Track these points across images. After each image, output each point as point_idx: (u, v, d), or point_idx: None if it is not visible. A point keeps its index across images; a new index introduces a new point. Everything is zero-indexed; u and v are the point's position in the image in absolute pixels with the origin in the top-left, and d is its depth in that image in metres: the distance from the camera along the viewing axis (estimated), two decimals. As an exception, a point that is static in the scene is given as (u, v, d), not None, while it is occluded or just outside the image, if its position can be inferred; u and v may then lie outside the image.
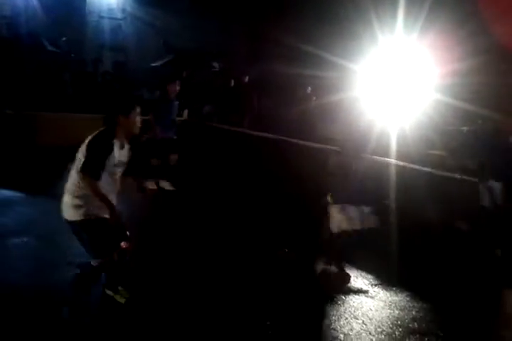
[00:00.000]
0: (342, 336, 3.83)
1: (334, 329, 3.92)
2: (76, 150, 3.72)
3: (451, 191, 6.21)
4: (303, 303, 4.34)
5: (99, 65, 12.99)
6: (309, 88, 11.44)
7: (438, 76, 9.12)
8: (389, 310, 4.33)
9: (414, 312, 4.32)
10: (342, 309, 4.28)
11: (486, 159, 6.19)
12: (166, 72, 13.59)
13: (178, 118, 8.24)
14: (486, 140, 7.33)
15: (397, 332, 3.98)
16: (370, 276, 4.98)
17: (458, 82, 8.84)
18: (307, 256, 5.38)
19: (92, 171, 3.56)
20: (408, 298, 4.57)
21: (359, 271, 5.10)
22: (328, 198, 4.82)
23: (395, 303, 4.47)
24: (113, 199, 3.73)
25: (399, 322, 4.14)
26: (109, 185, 3.69)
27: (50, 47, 13.30)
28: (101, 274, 3.85)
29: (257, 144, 9.41)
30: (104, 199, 3.60)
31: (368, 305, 4.39)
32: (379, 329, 3.99)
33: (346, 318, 4.12)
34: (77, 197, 3.64)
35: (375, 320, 4.15)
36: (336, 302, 4.40)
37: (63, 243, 5.35)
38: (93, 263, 3.78)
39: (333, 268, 4.86)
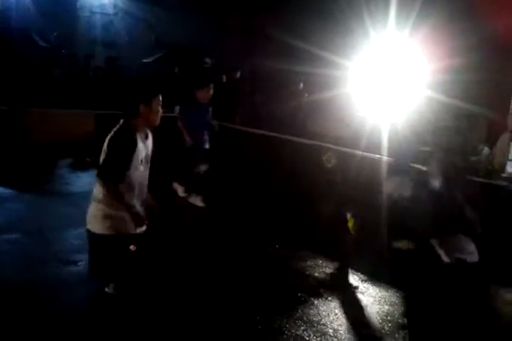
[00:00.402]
0: (331, 331, 3.85)
1: (324, 325, 3.94)
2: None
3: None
4: (292, 299, 4.35)
5: (91, 60, 12.90)
6: (301, 84, 11.43)
7: (430, 72, 9.15)
8: (379, 306, 4.35)
9: (403, 308, 4.35)
10: (332, 305, 4.30)
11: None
12: (158, 67, 13.56)
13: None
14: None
15: (386, 327, 4.00)
16: (360, 272, 5.00)
17: (450, 78, 8.87)
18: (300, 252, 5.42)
19: (111, 175, 3.16)
20: (398, 294, 4.60)
21: (349, 266, 5.11)
22: (348, 216, 4.70)
23: (385, 299, 4.49)
24: (141, 202, 3.38)
25: (388, 318, 4.16)
26: (137, 187, 3.31)
27: (40, 43, 13.20)
28: None
29: (248, 140, 9.40)
30: (128, 207, 3.23)
31: (358, 301, 4.42)
32: (369, 325, 4.02)
33: (336, 314, 4.14)
34: (104, 206, 3.26)
35: (365, 315, 4.17)
36: (326, 298, 4.41)
37: (53, 239, 5.36)
38: (108, 290, 3.46)
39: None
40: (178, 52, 13.63)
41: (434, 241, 4.24)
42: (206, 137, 7.11)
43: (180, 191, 7.12)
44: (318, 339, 3.73)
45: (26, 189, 7.15)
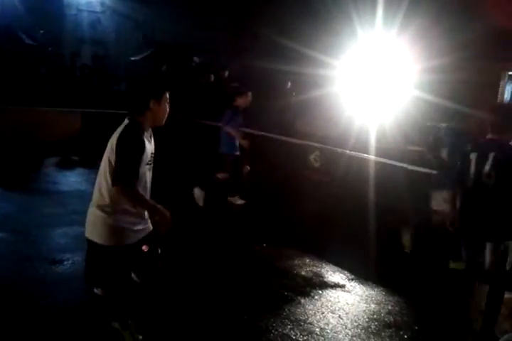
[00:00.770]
0: (318, 330, 3.85)
1: (310, 324, 3.94)
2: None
3: (427, 186, 6.28)
4: (279, 298, 4.35)
5: (77, 58, 12.81)
6: (289, 83, 11.43)
7: (417, 72, 9.20)
8: (365, 305, 4.37)
9: (390, 307, 4.36)
10: (319, 303, 4.31)
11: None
12: (146, 66, 13.51)
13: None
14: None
15: (373, 326, 4.01)
16: (346, 271, 5.01)
17: (436, 78, 8.93)
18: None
19: (129, 180, 2.92)
20: (384, 293, 4.61)
21: (336, 266, 5.13)
22: None
23: (372, 297, 4.51)
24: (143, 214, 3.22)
25: (375, 316, 4.17)
26: (143, 189, 3.11)
27: (26, 41, 13.09)
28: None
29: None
30: (150, 207, 3.04)
31: (345, 300, 4.43)
32: (355, 323, 4.02)
33: (323, 312, 4.15)
34: (105, 215, 3.04)
35: (352, 314, 4.18)
36: (313, 297, 4.42)
37: (39, 238, 5.32)
38: (96, 291, 3.38)
39: None
40: (166, 50, 13.60)
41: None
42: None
43: (236, 200, 7.24)
44: (305, 338, 3.73)
45: (12, 188, 7.10)
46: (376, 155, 8.22)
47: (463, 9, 8.84)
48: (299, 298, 4.38)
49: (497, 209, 3.74)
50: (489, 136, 3.96)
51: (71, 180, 7.94)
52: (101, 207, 3.05)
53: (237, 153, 7.10)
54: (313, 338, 3.74)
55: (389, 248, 5.54)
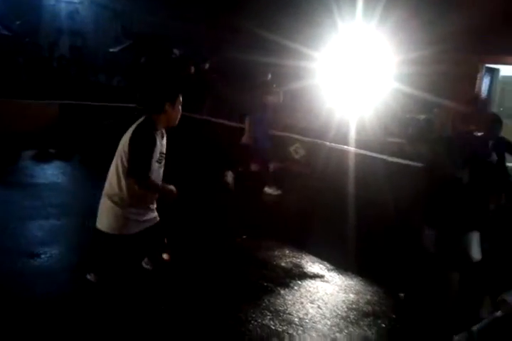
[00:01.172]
0: (297, 320, 3.88)
1: (290, 314, 3.96)
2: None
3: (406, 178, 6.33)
4: (259, 289, 4.37)
5: (55, 49, 12.61)
6: (270, 75, 11.40)
7: (396, 64, 9.25)
8: (344, 294, 4.41)
9: (368, 296, 4.41)
10: (298, 294, 4.33)
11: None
12: (125, 57, 13.35)
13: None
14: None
15: (351, 316, 4.05)
16: (326, 262, 5.05)
17: (415, 70, 8.99)
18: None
19: (142, 172, 3.19)
20: (363, 283, 4.66)
21: (316, 256, 5.16)
22: None
23: (350, 287, 4.55)
24: (155, 199, 3.50)
25: (353, 306, 4.21)
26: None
27: (3, 31, 12.84)
28: None
29: (216, 131, 9.37)
30: (162, 191, 3.37)
31: (324, 290, 4.46)
32: (334, 313, 4.05)
33: (302, 303, 4.17)
34: (118, 204, 3.30)
35: (331, 304, 4.21)
36: (293, 288, 4.44)
37: (17, 231, 5.24)
38: (89, 277, 3.58)
39: None
40: (145, 42, 13.44)
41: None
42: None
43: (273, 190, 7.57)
44: (284, 328, 3.75)
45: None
46: (356, 147, 8.27)
47: (441, 2, 8.90)
48: (279, 288, 4.40)
49: (469, 201, 3.82)
50: (463, 127, 4.03)
51: (48, 172, 7.83)
52: (110, 198, 3.32)
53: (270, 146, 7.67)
54: (293, 328, 3.76)
55: (368, 239, 5.58)
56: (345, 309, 4.15)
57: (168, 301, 3.97)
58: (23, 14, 14.40)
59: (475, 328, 2.41)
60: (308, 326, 3.82)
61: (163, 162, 3.45)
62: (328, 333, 3.74)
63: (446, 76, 8.79)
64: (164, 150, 3.44)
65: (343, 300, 4.30)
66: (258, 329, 3.71)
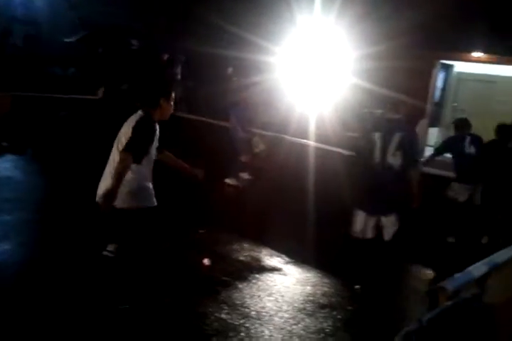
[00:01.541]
0: (254, 313, 3.89)
1: (247, 308, 3.97)
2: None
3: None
4: (217, 283, 4.36)
5: (9, 38, 12.17)
6: (230, 68, 11.37)
7: (354, 60, 9.37)
8: (301, 287, 4.45)
9: (325, 288, 4.47)
10: (256, 287, 4.35)
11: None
12: (81, 48, 13.00)
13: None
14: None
15: (308, 307, 4.10)
16: (284, 255, 5.09)
17: (373, 66, 9.12)
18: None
19: (135, 153, 3.51)
20: (320, 275, 4.72)
21: (274, 250, 5.19)
22: None
23: (308, 280, 4.60)
24: (151, 184, 3.76)
25: (310, 298, 4.26)
26: (149, 170, 3.75)
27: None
28: None
29: (177, 124, 9.26)
30: (117, 186, 3.45)
31: (281, 283, 4.49)
32: (291, 306, 4.09)
33: (259, 296, 4.19)
34: (131, 183, 3.58)
35: (288, 296, 4.25)
36: (250, 281, 4.46)
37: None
38: (109, 249, 3.98)
39: None
40: (103, 32, 13.12)
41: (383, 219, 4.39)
42: None
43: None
44: (242, 321, 3.76)
45: None
46: (315, 141, 8.36)
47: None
48: (237, 282, 4.41)
49: (397, 187, 4.14)
50: (391, 115, 4.24)
51: (0, 166, 7.59)
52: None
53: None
54: (250, 321, 3.77)
55: (326, 232, 5.64)
56: (302, 301, 4.19)
57: (125, 295, 3.91)
58: (-26, 1, 13.84)
59: (425, 318, 2.46)
60: (266, 319, 3.84)
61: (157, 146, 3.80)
62: (284, 326, 3.77)
63: (403, 71, 8.96)
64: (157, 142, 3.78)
65: (300, 293, 4.34)
66: (215, 323, 3.71)
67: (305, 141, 8.46)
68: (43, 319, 3.47)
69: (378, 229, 4.45)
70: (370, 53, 8.84)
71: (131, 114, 3.73)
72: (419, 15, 8.21)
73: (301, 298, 4.24)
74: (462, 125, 5.88)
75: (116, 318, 3.60)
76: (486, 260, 3.14)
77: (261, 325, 3.75)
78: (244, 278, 4.50)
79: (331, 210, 6.33)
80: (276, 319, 3.86)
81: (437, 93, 10.74)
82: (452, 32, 8.86)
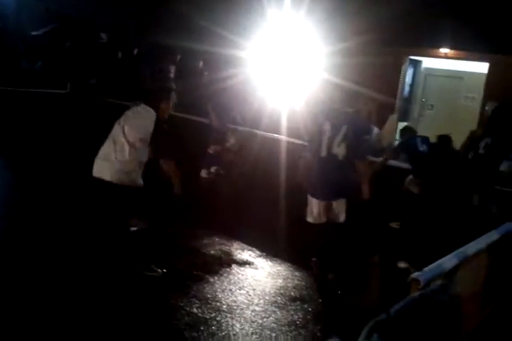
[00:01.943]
0: (225, 307, 3.89)
1: (218, 301, 3.97)
2: None
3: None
4: (188, 277, 4.34)
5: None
6: (201, 62, 11.30)
7: (325, 55, 9.42)
8: (272, 280, 4.47)
9: (296, 281, 4.50)
10: (227, 281, 4.35)
11: None
12: (48, 41, 12.74)
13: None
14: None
15: (279, 301, 4.12)
16: (255, 249, 5.10)
17: (343, 61, 9.19)
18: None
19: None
20: (291, 268, 4.75)
21: (245, 243, 5.19)
22: None
23: (279, 273, 4.63)
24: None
25: (281, 291, 4.29)
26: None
27: None
28: None
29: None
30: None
31: (253, 276, 4.50)
32: (262, 299, 4.10)
33: (231, 290, 4.19)
34: (129, 165, 4.11)
35: (259, 290, 4.26)
36: (222, 275, 4.46)
37: None
38: (136, 225, 4.30)
39: None
40: (71, 25, 12.88)
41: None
42: None
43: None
44: (212, 315, 3.75)
45: None
46: (287, 135, 8.38)
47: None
48: (208, 276, 4.40)
49: (342, 175, 4.32)
50: (345, 108, 4.37)
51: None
52: (120, 160, 4.09)
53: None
54: (221, 315, 3.77)
55: (298, 225, 5.67)
56: (273, 294, 4.21)
57: (95, 289, 3.87)
58: None
59: (393, 310, 2.49)
60: (237, 312, 3.85)
61: None
62: (256, 319, 3.78)
63: (373, 67, 9.05)
64: None
65: (272, 286, 4.36)
66: (186, 317, 3.70)
67: (277, 135, 8.48)
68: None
69: (332, 214, 4.56)
70: (341, 49, 8.91)
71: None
72: (387, 12, 8.30)
73: (272, 291, 4.26)
74: (409, 128, 6.44)
75: (86, 314, 3.56)
76: (456, 252, 3.21)
77: (232, 318, 3.75)
78: (215, 272, 4.49)
79: (303, 204, 6.37)
80: (247, 312, 3.87)
81: (406, 88, 10.89)
82: (420, 28, 8.99)
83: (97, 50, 11.29)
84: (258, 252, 5.04)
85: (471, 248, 3.37)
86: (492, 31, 8.64)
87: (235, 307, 3.91)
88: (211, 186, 7.50)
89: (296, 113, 9.02)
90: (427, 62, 11.00)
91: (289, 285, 4.42)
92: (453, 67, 10.34)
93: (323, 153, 4.39)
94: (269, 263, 4.83)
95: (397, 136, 10.30)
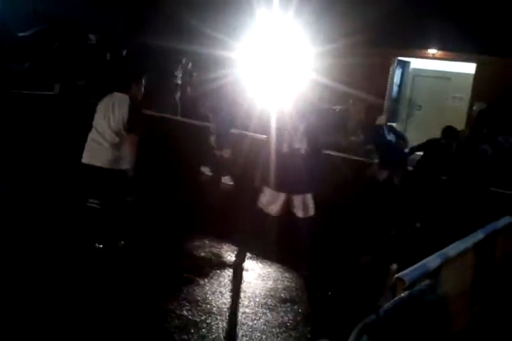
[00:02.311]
0: (216, 310, 3.90)
1: (209, 304, 3.97)
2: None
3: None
4: (178, 280, 4.34)
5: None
6: (190, 64, 11.29)
7: (314, 56, 9.45)
8: (262, 282, 4.48)
9: (286, 283, 4.52)
10: (217, 283, 4.35)
11: None
12: (36, 42, 12.65)
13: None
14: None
15: (269, 302, 4.13)
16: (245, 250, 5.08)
17: (332, 62, 9.22)
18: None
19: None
20: (281, 270, 4.77)
21: (235, 246, 5.18)
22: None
23: (269, 275, 4.64)
24: None
25: (271, 293, 4.30)
26: None
27: None
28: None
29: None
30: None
31: (243, 278, 4.51)
32: (252, 301, 4.11)
33: (221, 292, 4.20)
34: (120, 149, 4.55)
35: (249, 291, 4.27)
36: (212, 277, 4.46)
37: None
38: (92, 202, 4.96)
39: None
40: (59, 26, 12.80)
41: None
42: None
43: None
44: (203, 318, 3.76)
45: None
46: (276, 136, 8.36)
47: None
48: (198, 279, 4.40)
49: (305, 169, 4.41)
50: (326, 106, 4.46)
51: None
52: (111, 144, 4.54)
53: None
54: (211, 317, 3.78)
55: (286, 227, 5.68)
56: (263, 296, 4.22)
57: (87, 292, 3.86)
58: None
59: (382, 311, 2.52)
60: (227, 315, 3.85)
61: None
62: (246, 321, 3.79)
63: (361, 68, 9.10)
64: None
65: (262, 288, 4.38)
66: (176, 320, 3.69)
67: (265, 136, 8.48)
68: None
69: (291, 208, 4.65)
70: (329, 50, 8.94)
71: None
72: (375, 13, 8.35)
73: (262, 293, 4.27)
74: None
75: (77, 318, 3.55)
76: (440, 252, 3.25)
77: (222, 320, 3.76)
78: (205, 275, 4.50)
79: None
80: (237, 314, 3.88)
81: (394, 89, 10.97)
82: (408, 29, 9.06)
83: (86, 52, 11.23)
84: (248, 254, 5.03)
85: (457, 247, 3.41)
86: (479, 32, 8.73)
87: (225, 310, 3.92)
88: (203, 189, 7.48)
89: (285, 114, 9.05)
90: (415, 63, 11.09)
91: (279, 286, 4.44)
92: (441, 67, 10.43)
93: (286, 146, 4.47)
94: (259, 265, 4.84)
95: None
